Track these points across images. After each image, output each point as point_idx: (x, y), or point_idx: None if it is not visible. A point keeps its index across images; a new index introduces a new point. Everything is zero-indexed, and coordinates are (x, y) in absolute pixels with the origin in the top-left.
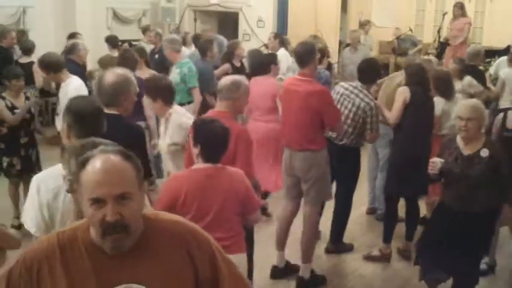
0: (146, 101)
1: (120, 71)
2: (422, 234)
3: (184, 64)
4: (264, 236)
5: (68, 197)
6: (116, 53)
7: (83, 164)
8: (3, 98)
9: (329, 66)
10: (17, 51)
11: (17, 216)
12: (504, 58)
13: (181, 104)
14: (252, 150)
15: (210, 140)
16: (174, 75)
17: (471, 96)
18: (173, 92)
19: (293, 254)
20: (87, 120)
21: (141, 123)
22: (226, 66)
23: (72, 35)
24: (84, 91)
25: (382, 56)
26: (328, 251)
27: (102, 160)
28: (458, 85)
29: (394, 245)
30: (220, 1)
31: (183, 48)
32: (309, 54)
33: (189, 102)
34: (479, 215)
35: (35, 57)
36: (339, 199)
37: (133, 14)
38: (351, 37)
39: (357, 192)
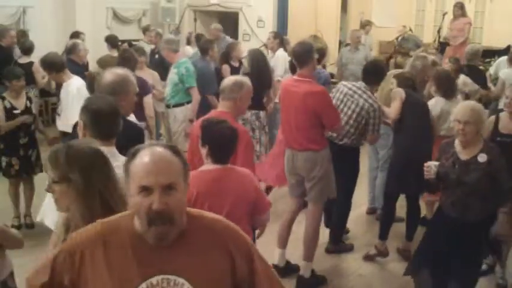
0: (147, 101)
1: (120, 71)
2: (420, 243)
3: (181, 64)
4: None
5: None
6: (115, 53)
7: (132, 156)
8: (3, 99)
9: (323, 67)
10: (16, 52)
11: (17, 216)
12: (504, 58)
13: (180, 104)
14: (252, 151)
15: (218, 140)
16: (172, 75)
17: (466, 95)
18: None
19: (294, 253)
20: (104, 120)
21: (141, 124)
22: (225, 67)
23: (75, 34)
24: (85, 91)
25: (382, 56)
26: (328, 251)
27: (151, 152)
28: None
29: (394, 245)
30: (220, 1)
31: (187, 48)
32: (307, 54)
33: (188, 102)
34: (476, 222)
35: (34, 57)
36: (338, 199)
37: (133, 14)
38: (351, 37)
39: (357, 192)
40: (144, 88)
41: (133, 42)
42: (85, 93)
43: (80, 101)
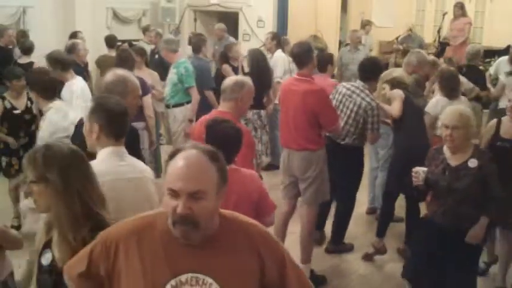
0: (146, 101)
1: (121, 71)
2: (415, 245)
3: (180, 64)
4: None
5: (107, 194)
6: (113, 53)
7: (171, 156)
8: (4, 99)
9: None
10: (16, 52)
11: (17, 216)
12: (504, 58)
13: (179, 104)
14: (253, 151)
15: (222, 141)
16: (171, 76)
17: (462, 93)
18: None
19: (292, 254)
20: (119, 119)
21: (141, 124)
22: (226, 67)
23: (74, 35)
24: (88, 92)
25: (382, 56)
26: (328, 251)
27: (188, 155)
28: None
29: (394, 245)
30: (220, 1)
31: (189, 48)
32: (306, 55)
33: (188, 102)
34: (468, 231)
35: (34, 57)
36: (341, 199)
37: (133, 14)
38: (351, 37)
39: (357, 192)
40: (143, 88)
41: (134, 42)
42: (88, 94)
43: (83, 102)
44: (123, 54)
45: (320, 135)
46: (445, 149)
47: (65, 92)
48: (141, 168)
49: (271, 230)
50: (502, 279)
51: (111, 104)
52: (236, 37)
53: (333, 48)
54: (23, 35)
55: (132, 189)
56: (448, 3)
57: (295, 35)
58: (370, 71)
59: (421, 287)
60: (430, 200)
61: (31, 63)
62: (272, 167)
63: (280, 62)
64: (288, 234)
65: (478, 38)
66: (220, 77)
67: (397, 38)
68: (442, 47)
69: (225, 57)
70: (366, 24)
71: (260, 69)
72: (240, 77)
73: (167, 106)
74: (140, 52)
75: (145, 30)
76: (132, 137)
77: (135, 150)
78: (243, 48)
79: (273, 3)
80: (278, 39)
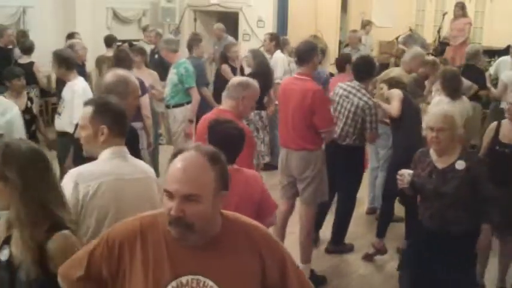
0: (143, 100)
1: (121, 72)
2: (402, 255)
3: (181, 64)
4: None
5: (107, 195)
6: (110, 53)
7: (173, 156)
8: None
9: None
10: (16, 52)
11: None
12: (505, 58)
13: (179, 105)
14: (253, 151)
15: (225, 141)
16: (171, 76)
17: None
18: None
19: (293, 254)
20: (123, 119)
21: (138, 124)
22: (225, 67)
23: (71, 35)
24: (90, 92)
25: (382, 56)
26: (328, 251)
27: (187, 157)
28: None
29: (394, 245)
30: (220, 1)
31: None
32: (309, 53)
33: (188, 103)
34: (458, 236)
35: (34, 57)
36: (341, 199)
37: (133, 14)
38: (350, 38)
39: (357, 192)
40: (141, 88)
41: (134, 42)
42: (90, 95)
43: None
44: (120, 54)
45: (318, 135)
46: (432, 151)
47: (66, 91)
48: (144, 169)
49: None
50: (502, 279)
51: (116, 105)
52: (236, 37)
53: (332, 48)
54: (23, 35)
55: (133, 190)
56: (448, 3)
57: (295, 35)
58: (365, 70)
59: (404, 284)
60: (419, 202)
61: (31, 63)
62: (271, 167)
63: (280, 62)
64: (287, 235)
65: (478, 38)
66: (220, 77)
67: (397, 38)
68: (442, 47)
69: (224, 57)
70: (366, 24)
71: (263, 69)
72: (245, 78)
73: (167, 106)
74: (140, 52)
75: (144, 30)
76: (132, 137)
77: (134, 150)
78: (243, 48)
79: (273, 3)
80: (277, 39)
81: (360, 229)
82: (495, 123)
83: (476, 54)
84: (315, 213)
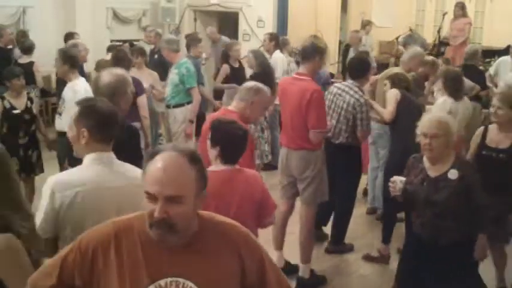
0: (141, 101)
1: (117, 71)
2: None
3: (182, 64)
4: (263, 236)
5: (84, 205)
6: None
7: (150, 157)
8: (3, 98)
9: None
10: (16, 52)
11: None
12: (505, 58)
13: (180, 105)
14: (253, 151)
15: (229, 141)
16: (172, 76)
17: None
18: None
19: (293, 254)
20: (108, 123)
21: (136, 124)
22: (225, 67)
23: (70, 35)
24: (91, 93)
25: (382, 56)
26: (328, 251)
27: (166, 158)
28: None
29: (394, 245)
30: (220, 1)
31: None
32: (311, 52)
33: (188, 103)
34: (450, 247)
35: (34, 57)
36: (340, 199)
37: (133, 14)
38: (351, 38)
39: (356, 192)
40: (139, 88)
41: (134, 43)
42: (91, 96)
43: None
44: (119, 54)
45: None
46: (425, 158)
47: (66, 91)
48: (129, 175)
49: (269, 229)
50: (501, 279)
51: (102, 107)
52: (236, 37)
53: (333, 48)
54: (23, 35)
55: (115, 199)
56: (448, 3)
57: (295, 35)
58: (359, 68)
59: None
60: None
61: (31, 63)
62: (271, 167)
63: (279, 62)
64: (287, 235)
65: (478, 38)
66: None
67: (397, 38)
68: (441, 47)
69: (226, 56)
70: (366, 24)
71: (265, 69)
72: (259, 84)
73: (168, 106)
74: (140, 52)
75: (145, 30)
76: (130, 135)
77: (134, 151)
78: (243, 48)
79: (273, 3)
80: (276, 39)
81: (360, 229)
82: (482, 127)
83: (475, 54)
84: (315, 213)
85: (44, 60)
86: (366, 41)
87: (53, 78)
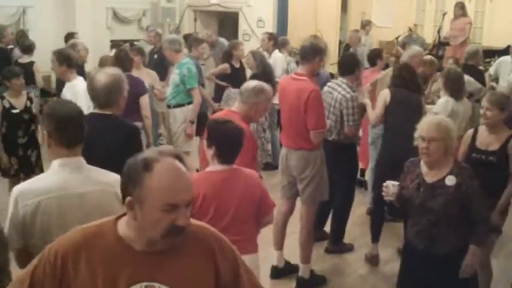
0: (143, 101)
1: (111, 70)
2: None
3: (183, 65)
4: (264, 235)
5: (49, 213)
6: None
7: (146, 168)
8: (3, 98)
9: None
10: (16, 52)
11: None
12: (505, 58)
13: (180, 105)
14: (254, 151)
15: (225, 140)
16: (173, 76)
17: (469, 93)
18: None
19: (293, 254)
20: (70, 126)
21: (138, 124)
22: (225, 65)
23: (70, 35)
24: None
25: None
26: (328, 251)
27: (170, 166)
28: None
29: (395, 245)
30: (220, 1)
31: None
32: (311, 52)
33: (189, 103)
34: (446, 256)
35: (34, 57)
36: (338, 199)
37: (133, 14)
38: (350, 38)
39: (356, 192)
40: (141, 88)
41: (134, 42)
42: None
43: (86, 103)
44: (120, 54)
45: None
46: (422, 163)
47: (66, 92)
48: (101, 180)
49: (270, 229)
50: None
51: (64, 110)
52: (236, 37)
53: (333, 48)
54: (22, 35)
55: (83, 204)
56: (448, 3)
57: (295, 35)
58: (347, 65)
59: None
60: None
61: (31, 63)
62: (271, 167)
63: (279, 62)
64: (288, 235)
65: (478, 38)
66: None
67: (397, 38)
68: (441, 47)
69: (228, 55)
70: (366, 24)
71: (265, 69)
72: (262, 84)
73: (168, 106)
74: (139, 52)
75: (146, 30)
76: (132, 134)
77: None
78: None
79: (273, 3)
80: (275, 39)
81: (359, 229)
82: (472, 129)
83: (475, 54)
84: (315, 213)
85: (44, 60)
86: (365, 41)
87: (53, 78)
